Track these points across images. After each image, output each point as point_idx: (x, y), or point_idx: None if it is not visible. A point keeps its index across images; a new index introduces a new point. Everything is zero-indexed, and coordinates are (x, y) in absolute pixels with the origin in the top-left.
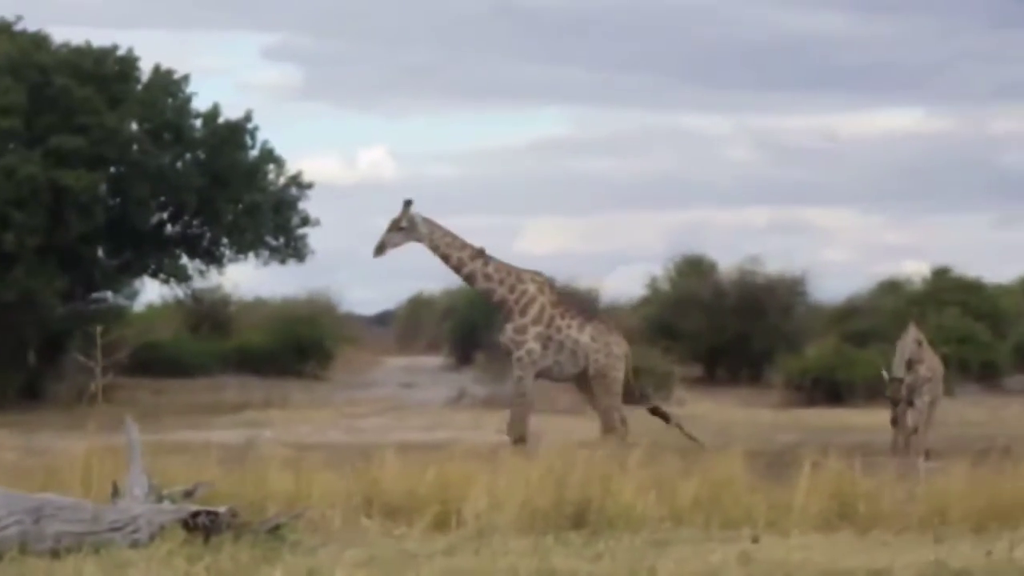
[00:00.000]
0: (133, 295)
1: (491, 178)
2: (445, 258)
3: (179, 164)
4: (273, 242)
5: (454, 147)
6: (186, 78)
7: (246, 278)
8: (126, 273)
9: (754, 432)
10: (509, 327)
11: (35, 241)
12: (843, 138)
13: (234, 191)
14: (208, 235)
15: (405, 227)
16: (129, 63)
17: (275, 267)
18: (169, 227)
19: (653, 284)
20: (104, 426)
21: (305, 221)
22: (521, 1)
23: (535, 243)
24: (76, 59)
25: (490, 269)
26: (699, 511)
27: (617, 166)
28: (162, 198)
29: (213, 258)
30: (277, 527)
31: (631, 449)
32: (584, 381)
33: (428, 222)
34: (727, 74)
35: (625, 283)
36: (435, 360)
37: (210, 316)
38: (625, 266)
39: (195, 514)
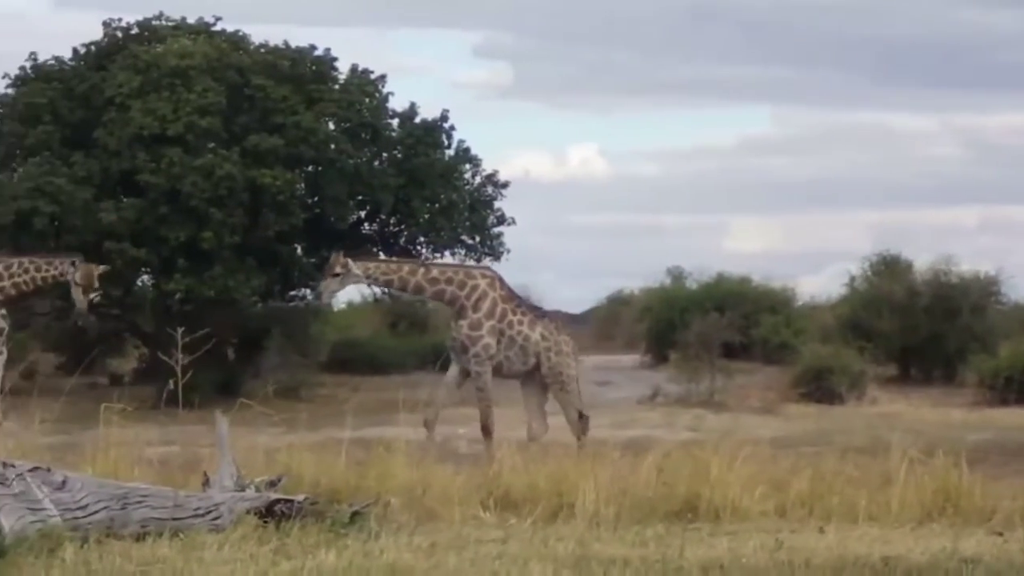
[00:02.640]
0: None
1: (698, 176)
2: (388, 284)
3: (376, 163)
4: (469, 241)
5: (661, 145)
6: (383, 78)
7: None
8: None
9: (944, 432)
10: (463, 323)
11: (233, 240)
12: None
13: (430, 190)
14: (405, 234)
15: (341, 272)
16: (326, 63)
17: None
18: (366, 226)
19: (851, 284)
20: (301, 423)
21: (501, 220)
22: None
23: (741, 242)
24: (273, 59)
25: (434, 273)
26: (804, 506)
27: (821, 164)
28: (359, 197)
29: (409, 256)
30: (354, 514)
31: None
32: (530, 379)
33: (361, 263)
34: (929, 72)
35: (828, 282)
36: (632, 358)
37: (408, 314)
38: (830, 265)
39: (274, 502)
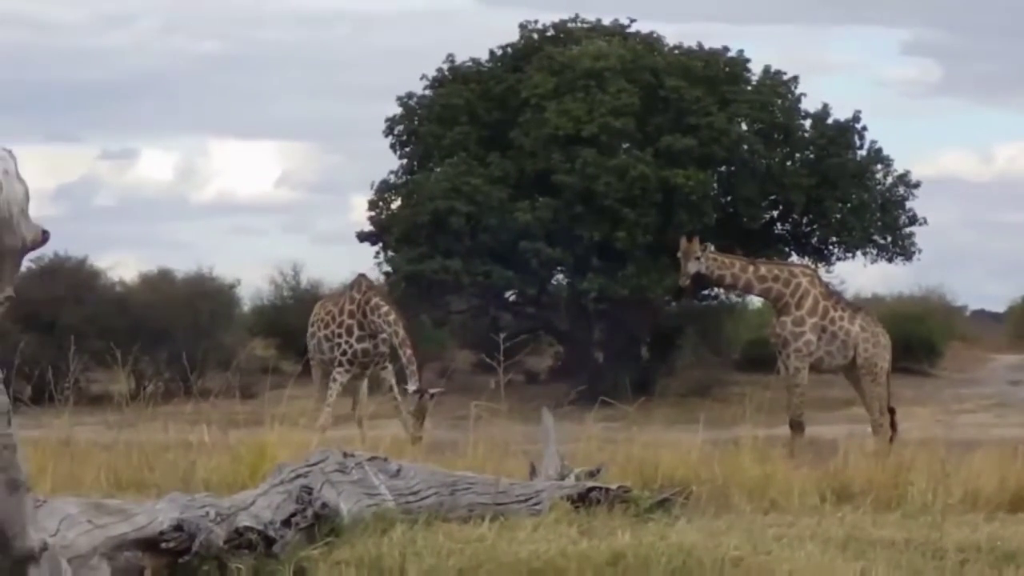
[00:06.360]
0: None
1: None
2: (720, 279)
3: (788, 164)
4: (880, 240)
5: None
6: (795, 79)
7: (883, 276)
8: None
9: None
10: (787, 320)
11: (646, 239)
12: None
13: (842, 191)
14: (817, 234)
15: (700, 256)
16: (739, 65)
17: (903, 265)
18: (778, 226)
19: None
20: (711, 421)
21: (912, 220)
22: None
23: None
24: (687, 61)
25: (763, 271)
26: None
27: None
28: (771, 197)
29: (821, 256)
30: (662, 501)
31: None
32: (852, 372)
33: (705, 253)
34: None
35: None
36: None
37: None
38: None
39: (589, 489)
